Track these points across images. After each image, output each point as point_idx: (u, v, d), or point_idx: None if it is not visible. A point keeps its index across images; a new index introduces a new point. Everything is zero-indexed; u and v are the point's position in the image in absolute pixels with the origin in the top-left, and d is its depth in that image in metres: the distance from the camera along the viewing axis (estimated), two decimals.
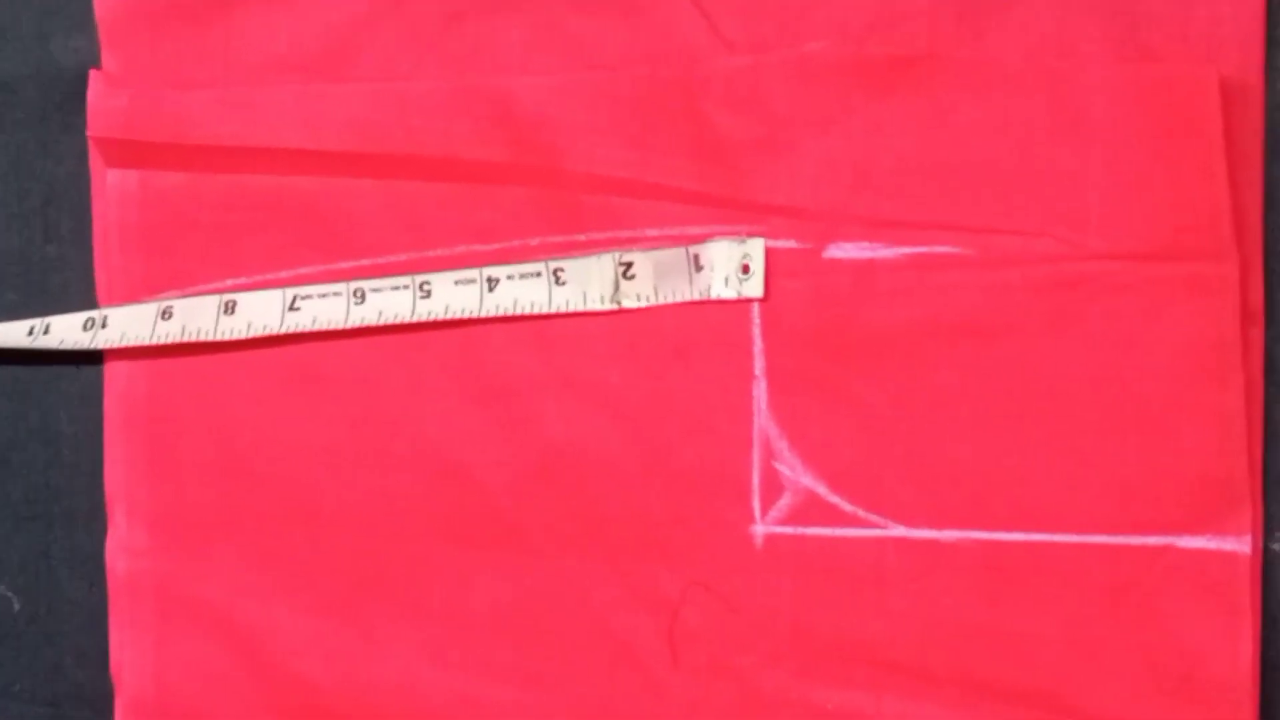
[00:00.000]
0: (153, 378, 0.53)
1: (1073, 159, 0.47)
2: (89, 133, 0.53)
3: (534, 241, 0.51)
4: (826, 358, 0.49)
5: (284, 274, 0.52)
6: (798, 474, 0.49)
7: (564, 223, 0.51)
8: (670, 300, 0.49)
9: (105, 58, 0.54)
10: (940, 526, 0.48)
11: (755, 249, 0.49)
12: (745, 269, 0.49)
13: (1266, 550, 0.47)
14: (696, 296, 0.49)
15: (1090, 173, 0.47)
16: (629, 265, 0.49)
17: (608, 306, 0.50)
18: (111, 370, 0.54)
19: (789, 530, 0.50)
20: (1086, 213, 0.47)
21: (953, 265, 0.48)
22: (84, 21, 0.54)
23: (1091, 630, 0.48)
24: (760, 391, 0.49)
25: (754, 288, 0.49)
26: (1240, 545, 0.46)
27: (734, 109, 0.49)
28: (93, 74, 0.53)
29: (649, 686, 0.50)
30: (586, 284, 0.50)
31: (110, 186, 0.53)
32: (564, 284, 0.50)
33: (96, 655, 0.55)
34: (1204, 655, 0.47)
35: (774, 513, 0.50)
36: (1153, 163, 0.46)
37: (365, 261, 0.52)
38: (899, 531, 0.49)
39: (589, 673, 0.51)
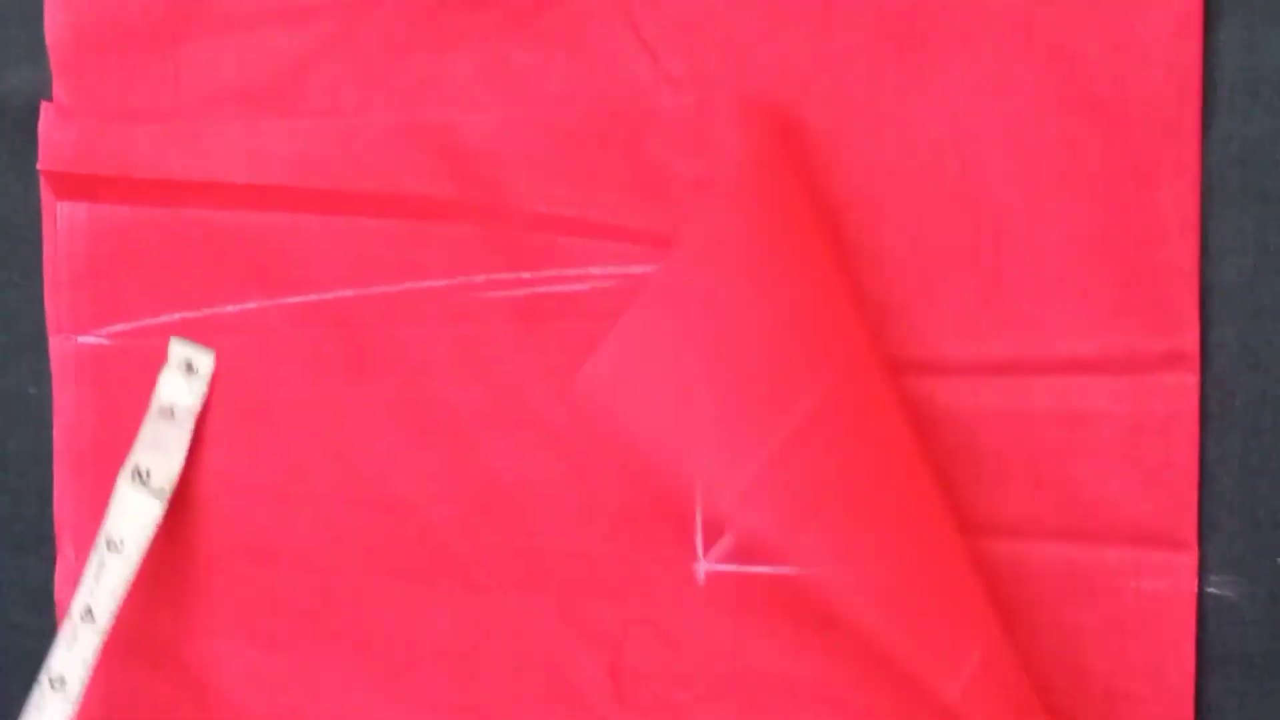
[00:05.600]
0: (100, 412, 0.53)
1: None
2: (39, 165, 0.53)
3: (479, 279, 0.51)
4: None
5: (230, 309, 0.52)
6: None
7: (509, 260, 0.51)
8: None
9: (56, 87, 0.54)
10: None
11: None
12: None
13: (1201, 593, 0.48)
14: None
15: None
16: None
17: None
18: (60, 403, 0.54)
19: (731, 568, 0.50)
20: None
21: None
22: (34, 52, 0.54)
23: (1034, 671, 0.48)
24: None
25: None
26: (1179, 586, 0.47)
27: (677, 147, 0.49)
28: (44, 106, 0.53)
29: None
30: None
31: (60, 219, 0.54)
32: None
33: None
34: (1142, 698, 0.47)
35: (716, 550, 0.50)
36: None
37: (312, 297, 0.52)
38: None
39: (532, 708, 0.51)
